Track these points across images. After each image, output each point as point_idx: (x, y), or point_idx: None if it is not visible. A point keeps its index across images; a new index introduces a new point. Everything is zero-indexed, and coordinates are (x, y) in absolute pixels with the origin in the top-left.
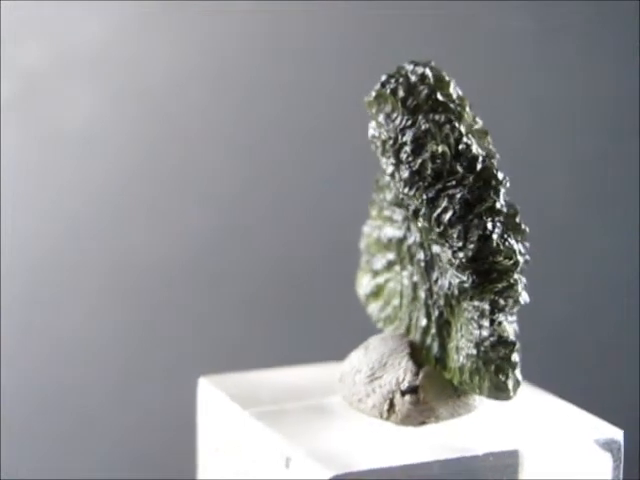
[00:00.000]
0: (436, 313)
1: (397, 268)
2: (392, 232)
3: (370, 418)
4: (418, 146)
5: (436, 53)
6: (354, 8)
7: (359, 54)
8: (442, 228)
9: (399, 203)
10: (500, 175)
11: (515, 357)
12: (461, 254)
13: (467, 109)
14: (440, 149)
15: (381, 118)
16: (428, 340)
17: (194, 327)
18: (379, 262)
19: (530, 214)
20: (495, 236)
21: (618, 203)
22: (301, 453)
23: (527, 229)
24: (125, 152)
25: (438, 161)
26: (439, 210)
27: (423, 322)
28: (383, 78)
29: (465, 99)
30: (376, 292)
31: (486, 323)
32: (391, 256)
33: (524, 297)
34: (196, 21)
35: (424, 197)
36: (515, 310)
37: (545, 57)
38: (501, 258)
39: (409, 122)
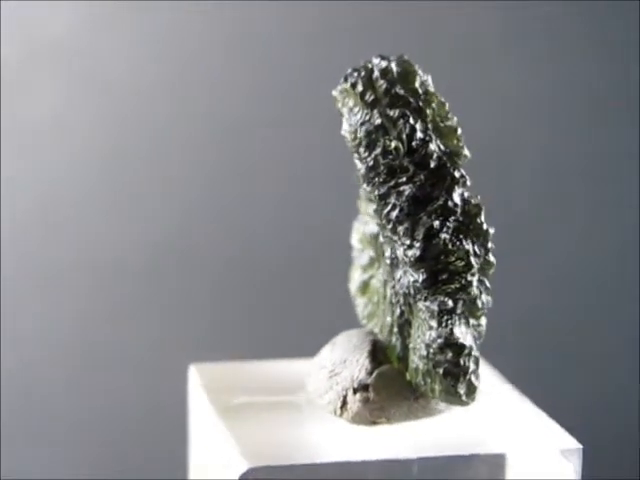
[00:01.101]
0: (398, 312)
1: (377, 264)
2: (372, 228)
3: (330, 415)
4: (371, 141)
5: (409, 51)
6: (327, 5)
7: (332, 52)
8: (391, 225)
9: (370, 198)
10: (457, 173)
11: (465, 361)
12: (410, 252)
13: (433, 105)
14: (393, 144)
15: (345, 112)
16: (393, 339)
17: (170, 316)
18: (365, 258)
19: (501, 211)
20: (444, 235)
21: (589, 198)
22: (237, 446)
23: (490, 230)
24: (92, 142)
25: (390, 157)
26: (389, 207)
27: (388, 320)
28: (347, 72)
29: (433, 94)
30: (363, 288)
31: (435, 324)
32: (372, 252)
33: (484, 299)
34: (163, 14)
35: (376, 193)
36: (478, 313)
37: (516, 54)
38: (453, 259)
39: (367, 117)
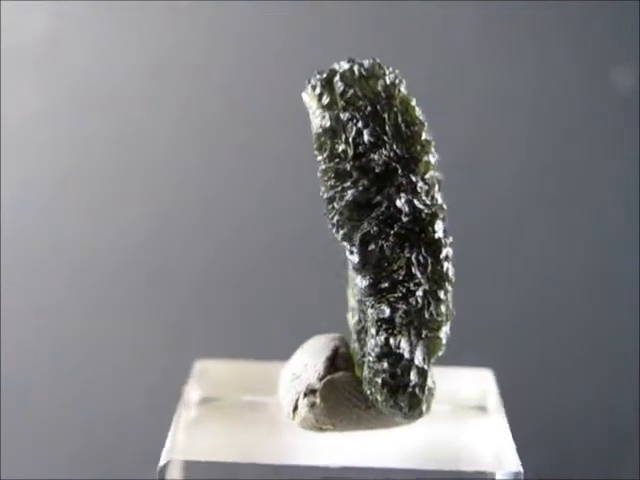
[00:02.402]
0: (356, 318)
1: None
2: None
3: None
4: (320, 144)
5: (382, 54)
6: (299, 8)
7: (300, 54)
8: (335, 229)
9: None
10: (405, 180)
11: (404, 373)
12: (352, 258)
13: (395, 109)
14: (340, 148)
15: (310, 115)
16: (355, 346)
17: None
18: None
19: (476, 213)
20: (382, 242)
21: (568, 202)
22: (171, 440)
23: (445, 239)
24: (69, 144)
25: (336, 160)
26: (333, 211)
27: (350, 326)
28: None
29: (398, 98)
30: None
31: (374, 332)
32: None
33: (433, 311)
34: (141, 17)
35: (325, 196)
36: (433, 325)
37: (494, 55)
38: (395, 267)
39: (322, 119)
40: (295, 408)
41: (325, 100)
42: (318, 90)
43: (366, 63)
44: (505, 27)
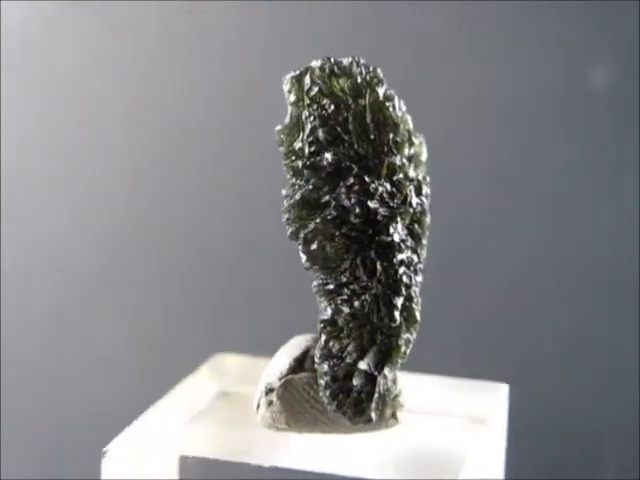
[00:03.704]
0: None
1: None
2: None
3: None
4: (280, 140)
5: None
6: (276, 6)
7: (276, 51)
8: (286, 228)
9: None
10: (357, 180)
11: (344, 376)
12: (301, 257)
13: (361, 108)
14: (297, 146)
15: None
16: None
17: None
18: None
19: (447, 214)
20: (326, 243)
21: (538, 203)
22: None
23: (401, 244)
24: (42, 138)
25: (293, 157)
26: (285, 210)
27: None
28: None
29: (364, 96)
30: None
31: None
32: None
33: (385, 316)
34: (116, 11)
35: (283, 194)
36: (388, 331)
37: (464, 56)
38: (342, 269)
39: (287, 117)
40: (258, 406)
41: (292, 97)
42: (287, 87)
43: (345, 61)
44: (487, 26)
